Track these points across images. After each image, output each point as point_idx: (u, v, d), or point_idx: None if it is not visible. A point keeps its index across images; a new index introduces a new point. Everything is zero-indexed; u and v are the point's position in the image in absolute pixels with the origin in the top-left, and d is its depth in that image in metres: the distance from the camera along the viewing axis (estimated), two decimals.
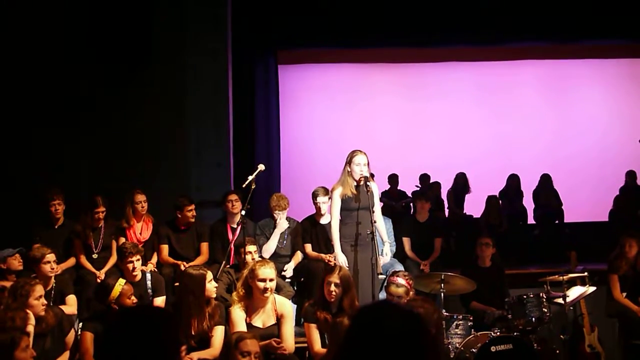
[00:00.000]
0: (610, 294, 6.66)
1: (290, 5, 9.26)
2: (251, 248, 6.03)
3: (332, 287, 4.92)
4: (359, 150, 5.85)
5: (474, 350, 5.27)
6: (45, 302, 4.83)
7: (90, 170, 7.84)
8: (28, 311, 4.61)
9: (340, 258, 5.77)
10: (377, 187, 6.12)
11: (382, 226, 6.01)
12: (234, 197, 6.95)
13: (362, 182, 5.74)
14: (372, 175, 6.29)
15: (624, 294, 6.61)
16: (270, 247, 6.80)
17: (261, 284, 4.86)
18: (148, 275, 5.83)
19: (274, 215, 6.95)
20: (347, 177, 5.82)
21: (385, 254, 5.99)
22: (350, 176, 5.80)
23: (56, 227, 6.84)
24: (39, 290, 4.75)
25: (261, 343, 4.74)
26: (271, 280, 4.90)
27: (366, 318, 1.94)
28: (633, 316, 6.42)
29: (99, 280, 6.18)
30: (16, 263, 5.80)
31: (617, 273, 6.66)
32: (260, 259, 5.03)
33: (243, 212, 6.23)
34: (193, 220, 6.86)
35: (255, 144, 9.56)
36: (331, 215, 6.01)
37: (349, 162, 5.83)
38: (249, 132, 9.46)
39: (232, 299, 5.17)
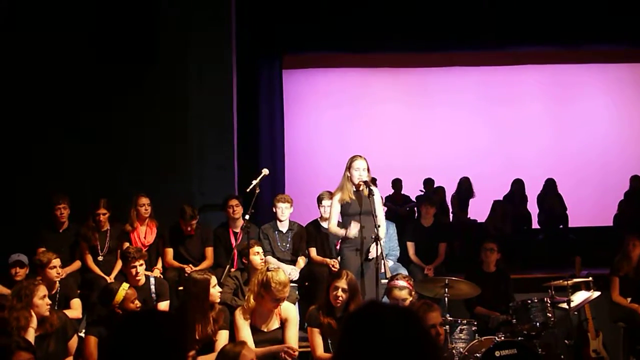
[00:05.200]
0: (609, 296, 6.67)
1: (294, 10, 9.27)
2: (257, 249, 6.04)
3: (340, 292, 4.91)
4: (358, 155, 5.85)
5: (478, 355, 5.25)
6: (50, 301, 4.84)
7: (94, 173, 7.85)
8: (32, 312, 4.62)
9: (353, 230, 5.65)
10: (379, 193, 6.10)
11: (382, 232, 6.00)
12: (234, 202, 6.95)
13: (361, 187, 5.74)
14: (374, 180, 6.27)
15: (629, 299, 6.60)
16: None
17: (279, 294, 4.82)
18: (152, 280, 5.84)
19: (277, 210, 6.93)
20: (346, 182, 5.83)
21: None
22: (349, 181, 5.81)
23: (61, 231, 6.86)
24: (43, 290, 4.75)
25: (269, 348, 4.76)
26: (286, 286, 4.87)
27: (363, 319, 1.86)
28: (638, 320, 6.40)
29: None
30: (12, 272, 5.83)
31: (618, 274, 6.66)
32: (276, 271, 4.94)
33: (247, 217, 6.23)
34: (191, 231, 6.87)
35: (260, 148, 9.56)
36: (329, 219, 6.05)
37: (348, 167, 5.84)
38: (253, 136, 9.46)
39: (239, 303, 5.16)
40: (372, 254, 5.63)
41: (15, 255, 5.89)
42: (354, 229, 5.67)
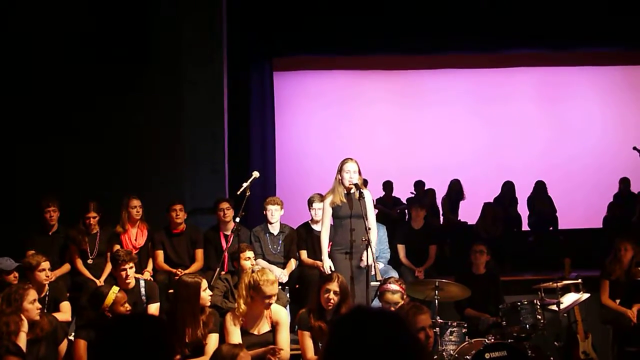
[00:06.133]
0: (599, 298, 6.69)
1: (285, 12, 9.28)
2: (249, 254, 6.03)
3: (332, 295, 4.91)
4: (350, 158, 5.88)
5: (468, 357, 5.26)
6: (40, 305, 4.82)
7: (85, 176, 7.81)
8: (22, 317, 4.59)
9: (326, 264, 5.84)
10: (371, 195, 6.12)
11: (374, 236, 6.02)
12: (225, 205, 6.94)
13: (352, 190, 5.76)
14: (365, 182, 6.29)
15: (618, 301, 6.63)
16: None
17: (267, 300, 4.85)
18: (142, 282, 5.81)
19: (267, 213, 6.93)
20: (337, 185, 5.85)
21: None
22: (340, 184, 5.83)
23: (50, 233, 6.83)
24: (33, 294, 4.72)
25: (257, 350, 4.76)
26: (274, 283, 4.88)
27: (346, 325, 1.86)
28: (627, 323, 6.43)
29: None
30: (12, 278, 5.76)
31: (609, 278, 6.68)
32: (261, 271, 4.95)
33: (237, 219, 6.23)
34: (178, 221, 6.85)
35: (251, 150, 9.56)
36: (321, 223, 6.09)
37: (339, 170, 5.86)
38: (244, 138, 9.46)
39: (228, 306, 5.14)
40: (364, 262, 5.65)
41: (4, 259, 5.82)
42: (326, 265, 5.85)
